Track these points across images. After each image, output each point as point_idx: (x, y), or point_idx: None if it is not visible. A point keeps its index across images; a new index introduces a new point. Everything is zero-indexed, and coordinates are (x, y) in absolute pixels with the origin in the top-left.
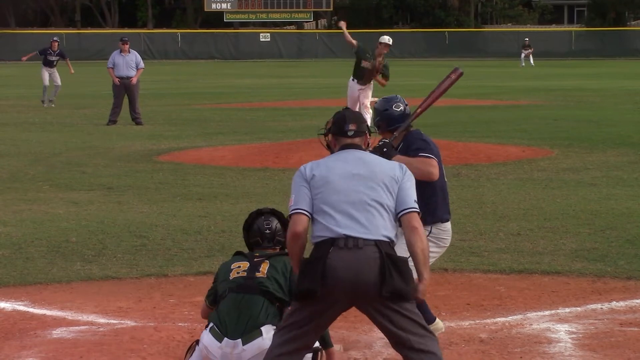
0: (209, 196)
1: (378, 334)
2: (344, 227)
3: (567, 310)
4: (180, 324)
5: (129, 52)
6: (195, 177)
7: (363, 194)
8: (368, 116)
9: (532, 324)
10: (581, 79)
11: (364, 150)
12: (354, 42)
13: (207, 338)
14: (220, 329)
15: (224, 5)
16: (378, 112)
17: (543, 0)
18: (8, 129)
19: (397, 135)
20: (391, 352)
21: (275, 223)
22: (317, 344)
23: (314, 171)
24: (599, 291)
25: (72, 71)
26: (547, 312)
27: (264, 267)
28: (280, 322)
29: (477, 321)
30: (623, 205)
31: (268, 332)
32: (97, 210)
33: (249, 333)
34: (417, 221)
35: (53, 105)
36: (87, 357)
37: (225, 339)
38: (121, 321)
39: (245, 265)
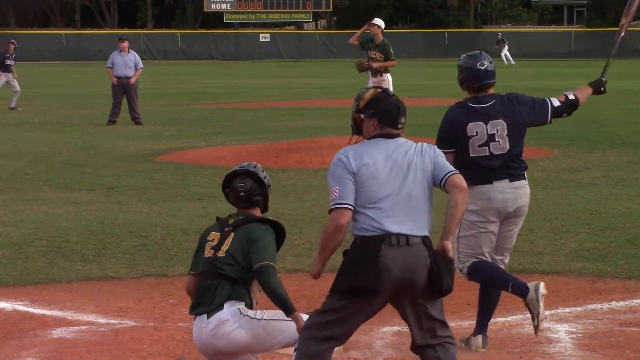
0: (209, 196)
1: (378, 334)
2: (394, 224)
3: (567, 310)
4: (180, 324)
5: (128, 52)
6: (195, 177)
7: (408, 187)
8: None
9: (532, 324)
10: (581, 79)
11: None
12: (356, 42)
13: (194, 329)
14: (195, 312)
15: (223, 6)
16: (462, 68)
17: (543, 0)
18: (8, 129)
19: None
20: (391, 352)
21: (250, 184)
22: None
23: (358, 163)
24: (599, 291)
25: (16, 76)
26: (547, 312)
27: (227, 242)
28: (244, 294)
29: None
30: (623, 205)
31: (231, 306)
32: (97, 210)
33: (213, 310)
34: (463, 181)
35: (19, 109)
36: (87, 357)
37: (197, 317)
38: (121, 321)
39: (216, 237)
